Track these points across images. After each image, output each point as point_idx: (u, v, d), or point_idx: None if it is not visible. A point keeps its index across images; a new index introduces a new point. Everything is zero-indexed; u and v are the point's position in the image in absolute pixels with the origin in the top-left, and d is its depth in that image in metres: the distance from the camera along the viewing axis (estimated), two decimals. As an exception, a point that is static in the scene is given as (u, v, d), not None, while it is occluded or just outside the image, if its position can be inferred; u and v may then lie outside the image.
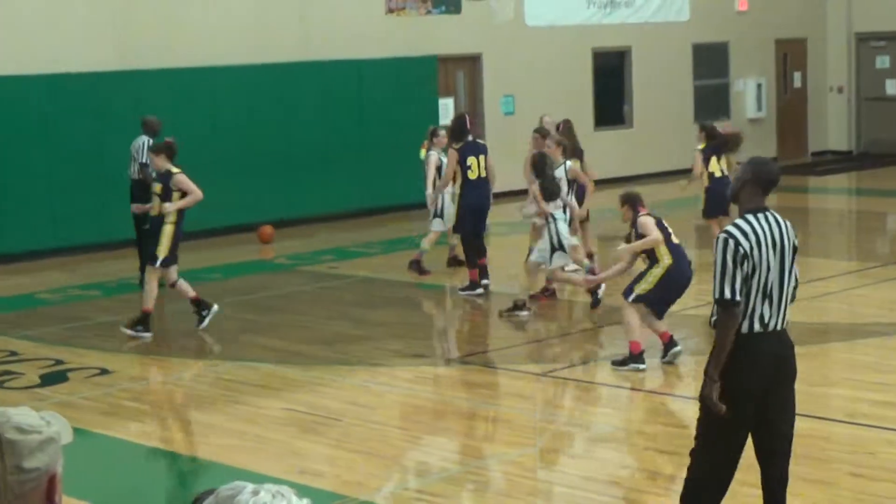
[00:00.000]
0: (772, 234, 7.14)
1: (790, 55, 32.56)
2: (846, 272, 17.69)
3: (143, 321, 14.69)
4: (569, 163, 16.27)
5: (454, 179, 16.77)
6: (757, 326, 7.09)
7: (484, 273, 16.84)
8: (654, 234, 12.58)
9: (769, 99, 31.99)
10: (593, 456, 10.08)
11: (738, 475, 7.29)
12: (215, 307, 14.92)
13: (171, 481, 10.34)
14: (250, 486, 2.44)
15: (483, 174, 16.65)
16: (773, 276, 7.12)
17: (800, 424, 9.97)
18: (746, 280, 7.07)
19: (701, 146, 17.75)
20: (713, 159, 17.56)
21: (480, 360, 13.43)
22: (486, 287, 16.79)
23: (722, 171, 17.47)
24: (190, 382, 12.97)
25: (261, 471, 9.71)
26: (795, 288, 7.33)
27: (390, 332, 15.33)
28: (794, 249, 7.28)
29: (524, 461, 10.12)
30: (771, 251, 7.11)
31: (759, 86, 31.57)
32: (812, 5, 32.67)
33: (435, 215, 17.92)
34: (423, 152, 18.43)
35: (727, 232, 7.13)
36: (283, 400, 12.05)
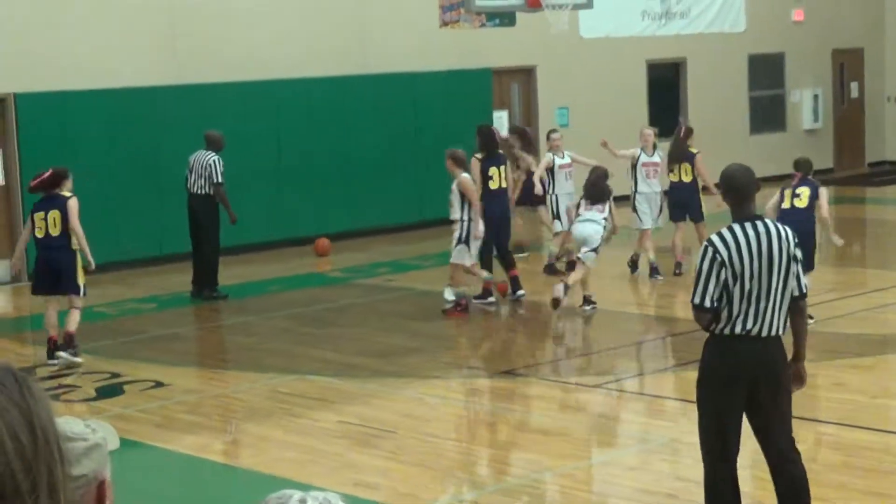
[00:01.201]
0: (758, 242, 7.39)
1: (847, 65, 32.34)
2: (905, 283, 17.51)
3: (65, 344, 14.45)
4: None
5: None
6: (738, 329, 7.44)
7: (517, 284, 16.99)
8: None
9: (826, 109, 31.78)
10: (649, 468, 10.02)
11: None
12: (79, 359, 14.41)
13: (226, 494, 10.35)
14: (298, 494, 2.44)
15: (504, 185, 16.95)
16: (759, 284, 7.33)
17: (859, 436, 9.91)
18: (726, 287, 7.38)
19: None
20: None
21: (534, 373, 13.39)
22: (520, 297, 17.04)
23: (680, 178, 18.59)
24: (245, 395, 13.00)
25: (316, 483, 9.70)
26: (801, 297, 7.48)
27: (444, 344, 15.34)
28: (792, 258, 7.40)
29: (578, 474, 10.08)
30: (755, 259, 7.35)
31: (815, 96, 31.37)
32: (869, 15, 32.44)
33: (555, 217, 18.72)
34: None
35: (709, 240, 7.51)
36: (338, 412, 12.05)
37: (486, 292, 16.85)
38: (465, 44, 24.88)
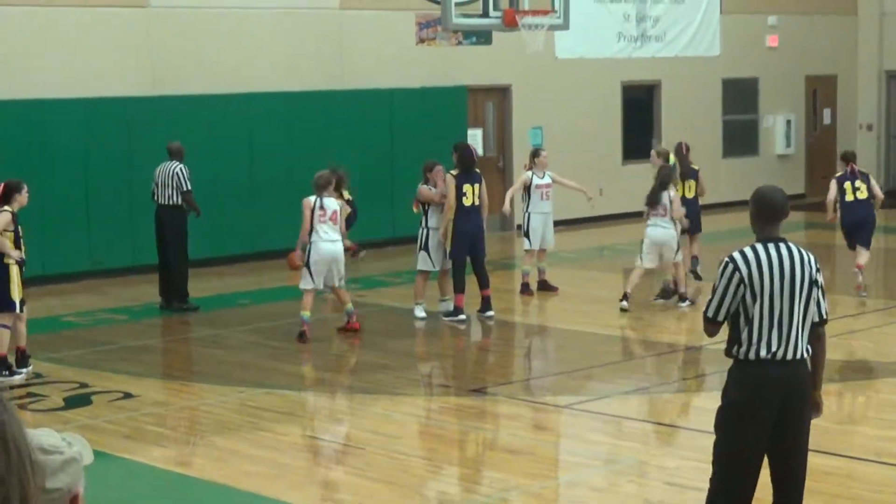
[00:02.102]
0: (780, 264, 7.25)
1: (820, 92, 32.53)
2: (873, 310, 17.63)
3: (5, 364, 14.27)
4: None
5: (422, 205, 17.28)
6: (763, 353, 7.25)
7: (487, 304, 17.13)
8: None
9: (798, 135, 31.94)
10: (616, 490, 10.05)
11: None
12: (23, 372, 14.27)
13: (193, 506, 10.34)
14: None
15: (476, 202, 16.99)
16: (782, 306, 7.21)
17: (825, 462, 9.96)
18: (745, 307, 7.27)
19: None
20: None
21: (504, 392, 13.41)
22: (489, 318, 17.14)
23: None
24: (214, 408, 12.98)
25: (283, 498, 9.71)
26: (820, 323, 7.39)
27: (414, 361, 15.37)
28: (814, 282, 7.32)
29: (546, 493, 10.11)
30: (777, 281, 7.22)
31: (788, 122, 31.54)
32: (843, 42, 32.64)
33: (524, 235, 18.96)
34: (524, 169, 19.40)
35: (730, 256, 7.37)
36: (307, 427, 12.05)
37: (457, 310, 16.89)
38: (442, 61, 24.94)
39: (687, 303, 17.65)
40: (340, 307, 16.40)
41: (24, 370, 14.22)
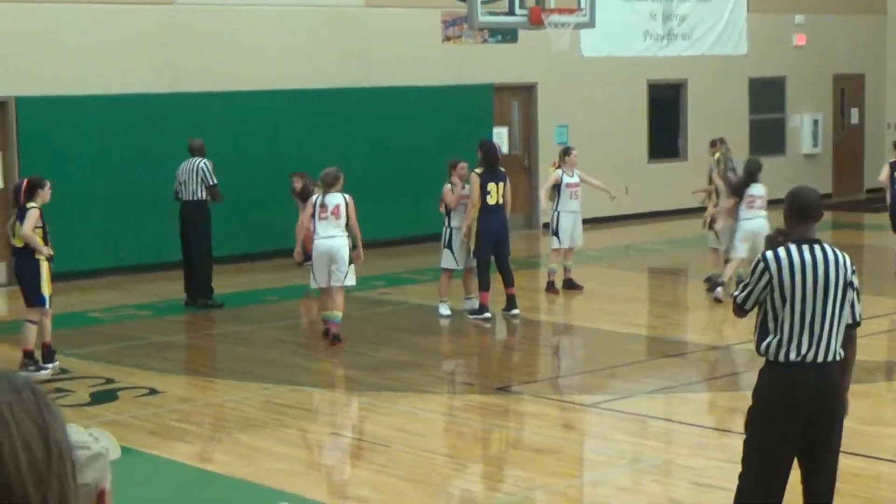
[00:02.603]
0: (814, 266, 7.20)
1: (847, 91, 32.40)
2: (900, 310, 17.55)
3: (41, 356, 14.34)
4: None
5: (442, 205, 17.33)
6: (793, 356, 7.21)
7: (512, 303, 17.04)
8: None
9: (825, 135, 31.81)
10: (640, 489, 10.02)
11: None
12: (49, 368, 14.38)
13: (217, 503, 10.34)
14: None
15: (500, 201, 16.93)
16: (814, 309, 7.17)
17: (849, 463, 9.90)
18: (774, 308, 7.28)
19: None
20: None
21: (529, 390, 13.39)
22: (514, 316, 17.07)
23: None
24: (238, 404, 12.99)
25: (307, 495, 9.71)
26: (853, 326, 7.35)
27: (439, 359, 15.37)
28: (849, 284, 7.27)
29: (570, 492, 10.09)
30: (810, 283, 7.18)
31: (815, 121, 31.42)
32: (871, 41, 32.51)
33: (553, 234, 18.84)
34: (551, 169, 19.29)
35: (763, 255, 7.40)
36: (332, 425, 12.04)
37: (483, 308, 16.87)
38: (467, 59, 24.91)
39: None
40: (374, 307, 16.36)
41: (51, 365, 14.26)
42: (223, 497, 10.32)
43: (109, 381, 13.83)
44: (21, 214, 14.00)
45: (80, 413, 12.32)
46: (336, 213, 15.28)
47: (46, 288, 14.13)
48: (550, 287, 18.85)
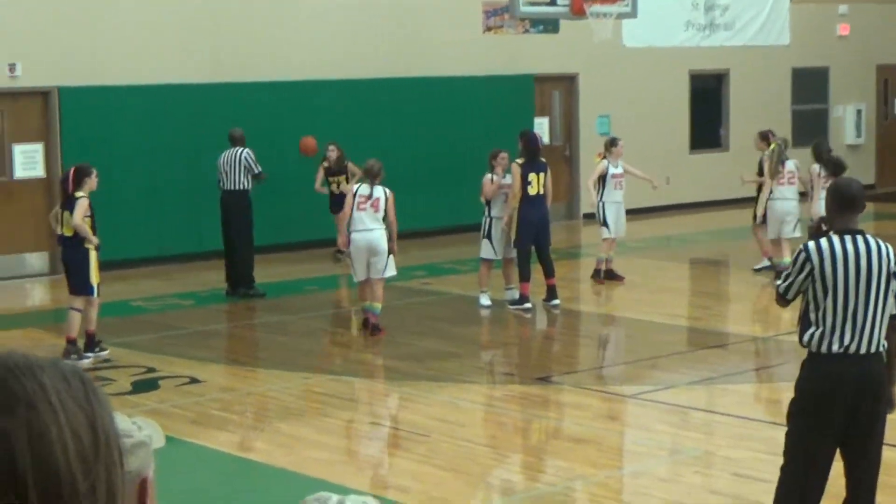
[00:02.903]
0: (857, 257, 7.17)
1: (891, 81, 32.17)
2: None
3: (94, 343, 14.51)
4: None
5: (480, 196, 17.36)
6: (836, 347, 7.17)
7: (552, 293, 17.02)
8: None
9: (868, 125, 31.63)
10: (680, 480, 10.01)
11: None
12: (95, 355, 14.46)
13: (257, 492, 10.39)
14: (335, 497, 2.45)
15: (541, 191, 16.92)
16: (857, 300, 7.14)
17: (893, 455, 9.84)
18: (816, 299, 7.24)
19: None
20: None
21: (569, 381, 13.38)
22: (555, 307, 17.08)
23: None
24: (279, 394, 13.04)
25: (348, 484, 9.74)
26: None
27: (480, 349, 15.38)
28: (893, 275, 7.24)
29: (610, 483, 10.08)
30: (853, 273, 7.14)
31: (858, 112, 31.23)
32: (915, 31, 32.28)
33: (602, 224, 18.76)
34: (596, 159, 19.25)
35: (805, 245, 7.36)
36: (372, 414, 12.07)
37: (523, 298, 16.87)
38: (508, 50, 24.88)
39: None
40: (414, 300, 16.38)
41: (91, 354, 14.34)
42: (263, 485, 10.36)
43: (151, 370, 13.90)
44: (69, 203, 14.08)
45: (121, 402, 12.39)
46: (376, 205, 15.27)
47: (95, 277, 14.24)
48: (597, 275, 18.80)
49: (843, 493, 7.60)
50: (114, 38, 20.60)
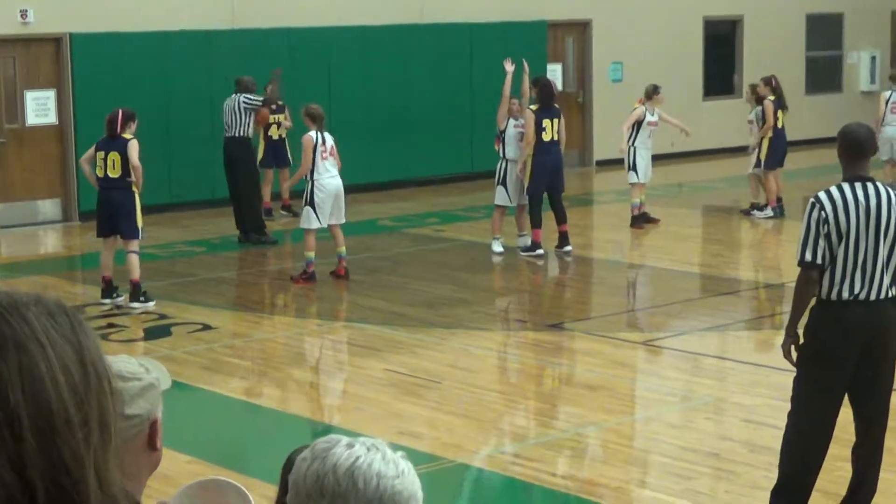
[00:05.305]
0: (867, 203, 7.14)
1: (906, 28, 31.97)
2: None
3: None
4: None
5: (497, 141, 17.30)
6: (846, 294, 7.17)
7: (565, 240, 17.05)
8: None
9: (883, 72, 31.40)
10: (692, 426, 10.03)
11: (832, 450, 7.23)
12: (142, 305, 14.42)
13: (270, 437, 10.43)
14: (345, 439, 2.46)
15: (555, 137, 16.93)
16: (867, 247, 7.12)
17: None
18: (830, 246, 7.16)
19: (771, 97, 19.76)
20: (778, 112, 19.74)
21: (581, 327, 13.39)
22: (567, 253, 17.08)
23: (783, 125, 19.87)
24: (291, 340, 13.07)
25: (360, 430, 9.77)
26: None
27: (492, 296, 15.39)
28: None
29: (622, 429, 10.10)
30: (863, 220, 7.12)
31: (873, 58, 31.05)
32: (931, -23, 32.05)
33: (631, 168, 18.82)
34: (636, 104, 19.29)
35: (815, 196, 7.27)
36: (385, 361, 12.10)
37: (535, 245, 16.86)
38: (522, -4, 24.76)
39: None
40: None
41: (139, 304, 14.27)
42: (275, 431, 10.40)
43: (163, 316, 13.93)
44: (118, 144, 14.04)
45: (133, 348, 12.43)
46: (333, 152, 15.27)
47: (140, 219, 14.28)
48: (636, 221, 18.80)
49: (851, 440, 7.61)
50: (125, -15, 20.52)
